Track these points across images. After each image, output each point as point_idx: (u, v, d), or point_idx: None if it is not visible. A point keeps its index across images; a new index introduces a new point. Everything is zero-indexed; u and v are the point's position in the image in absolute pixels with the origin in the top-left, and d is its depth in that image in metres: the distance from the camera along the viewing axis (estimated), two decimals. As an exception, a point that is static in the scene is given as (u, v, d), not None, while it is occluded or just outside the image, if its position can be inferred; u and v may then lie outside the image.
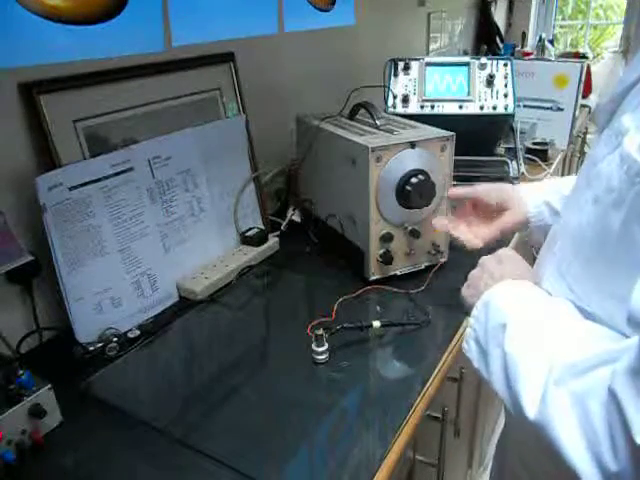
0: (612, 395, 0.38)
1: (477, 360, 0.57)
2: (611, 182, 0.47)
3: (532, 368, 0.47)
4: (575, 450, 0.40)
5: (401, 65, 1.45)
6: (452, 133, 1.04)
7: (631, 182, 0.44)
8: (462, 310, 0.95)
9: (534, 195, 0.89)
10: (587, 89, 2.42)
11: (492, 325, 0.55)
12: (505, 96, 1.41)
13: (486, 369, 0.54)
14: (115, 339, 0.90)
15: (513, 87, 1.41)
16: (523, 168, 1.56)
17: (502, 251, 0.72)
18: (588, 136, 2.44)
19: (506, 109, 1.40)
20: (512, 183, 1.35)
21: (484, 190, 0.93)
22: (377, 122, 1.11)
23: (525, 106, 1.92)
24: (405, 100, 1.43)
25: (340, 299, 0.98)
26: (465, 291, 0.70)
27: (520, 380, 0.47)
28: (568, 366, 0.44)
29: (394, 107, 1.43)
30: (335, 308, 0.96)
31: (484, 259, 0.72)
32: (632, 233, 0.42)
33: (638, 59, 0.51)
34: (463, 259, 1.14)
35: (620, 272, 0.44)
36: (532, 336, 0.50)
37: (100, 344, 0.89)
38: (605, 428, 0.38)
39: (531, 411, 0.45)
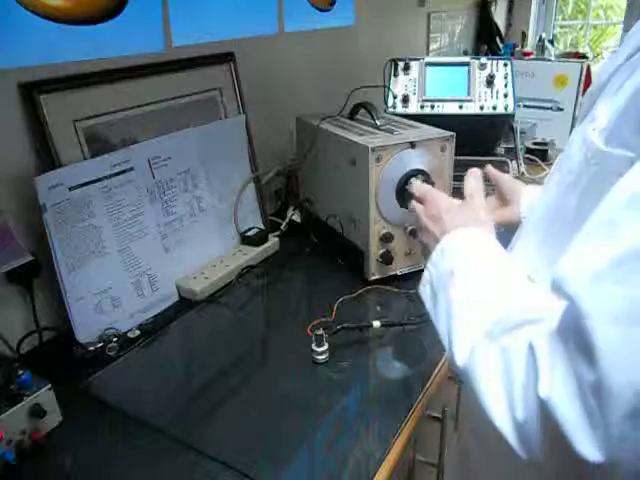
0: (531, 351, 0.40)
1: (429, 303, 0.59)
2: (572, 165, 0.50)
3: (467, 319, 0.50)
4: (493, 397, 0.42)
5: (401, 65, 1.45)
6: (452, 133, 1.04)
7: (587, 163, 0.47)
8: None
9: (531, 196, 0.89)
10: (587, 89, 2.42)
11: (442, 271, 0.57)
12: (505, 96, 1.41)
13: (434, 313, 0.57)
14: (115, 339, 0.90)
15: (513, 87, 1.41)
16: (523, 168, 1.56)
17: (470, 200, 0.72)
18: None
19: (506, 109, 1.40)
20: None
21: (506, 178, 0.90)
22: (377, 122, 1.11)
23: (525, 106, 1.92)
24: (405, 100, 1.43)
25: (340, 299, 0.98)
26: (426, 222, 0.69)
27: (455, 328, 0.50)
28: (498, 321, 0.46)
29: (394, 107, 1.43)
30: (335, 308, 0.95)
31: (445, 198, 0.71)
32: (585, 212, 0.43)
33: (619, 52, 0.52)
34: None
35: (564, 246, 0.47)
36: (473, 287, 0.53)
37: (100, 344, 0.89)
38: (521, 380, 0.40)
39: (460, 360, 0.47)
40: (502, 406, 0.41)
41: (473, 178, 0.73)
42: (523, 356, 0.41)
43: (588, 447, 0.35)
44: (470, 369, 0.46)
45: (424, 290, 0.61)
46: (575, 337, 0.37)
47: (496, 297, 0.50)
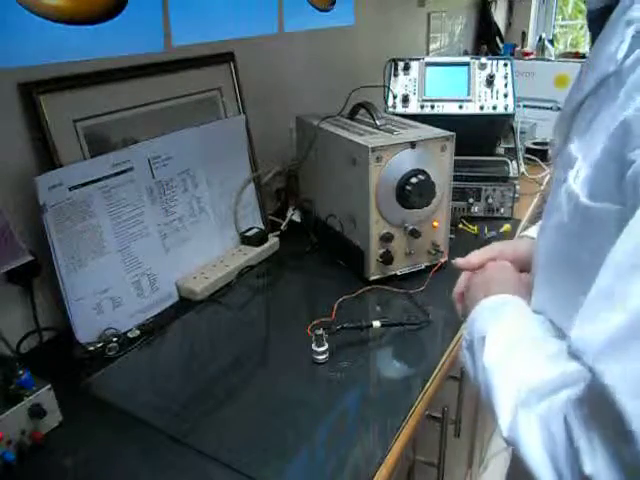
0: (566, 426, 0.40)
1: (471, 369, 0.58)
2: (563, 215, 0.49)
3: (503, 388, 0.49)
4: (542, 468, 0.42)
5: (401, 65, 1.45)
6: (452, 133, 1.04)
7: (576, 216, 0.47)
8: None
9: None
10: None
11: (477, 337, 0.57)
12: (505, 96, 1.40)
13: (475, 379, 0.56)
14: (115, 339, 0.90)
15: (513, 87, 1.41)
16: (523, 168, 1.56)
17: (503, 263, 0.69)
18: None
19: (506, 109, 1.40)
20: (513, 183, 1.36)
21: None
22: (377, 122, 1.11)
23: (525, 106, 1.92)
24: (405, 100, 1.43)
25: (340, 299, 0.98)
26: (473, 292, 0.66)
27: (495, 399, 0.50)
28: (533, 389, 0.46)
29: (394, 107, 1.43)
30: (335, 308, 0.96)
31: (489, 265, 0.68)
32: (586, 262, 0.43)
33: (584, 76, 0.50)
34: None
35: (576, 295, 0.45)
36: (504, 353, 0.52)
37: (100, 344, 0.89)
38: (563, 452, 0.40)
39: (505, 431, 0.47)
40: (551, 477, 0.41)
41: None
42: (561, 426, 0.41)
43: None
44: (515, 440, 0.46)
45: (464, 357, 0.60)
46: (604, 409, 0.36)
47: (528, 363, 0.49)
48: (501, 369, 0.51)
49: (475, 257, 0.69)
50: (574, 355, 0.40)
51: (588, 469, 0.37)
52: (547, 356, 0.48)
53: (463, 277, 0.71)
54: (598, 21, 0.51)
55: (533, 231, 0.74)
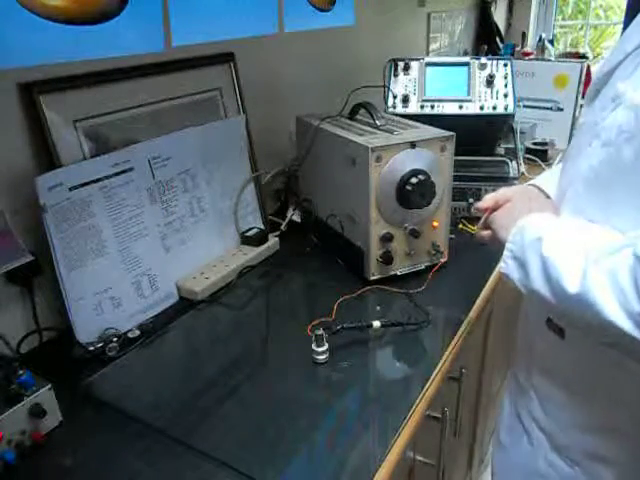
0: (636, 258, 0.51)
1: (516, 272, 0.66)
2: (621, 127, 0.58)
3: (571, 258, 0.58)
4: (610, 306, 0.52)
5: (401, 65, 1.45)
6: (452, 133, 1.03)
7: (637, 120, 0.56)
8: (463, 306, 0.96)
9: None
10: (587, 89, 2.42)
11: (529, 240, 0.65)
12: (505, 96, 1.40)
13: (525, 276, 0.64)
14: (115, 339, 0.90)
15: (513, 87, 1.41)
16: (523, 168, 1.56)
17: (527, 189, 0.80)
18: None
19: (506, 109, 1.40)
20: (513, 183, 1.36)
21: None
22: (377, 122, 1.11)
23: (525, 106, 1.92)
24: (405, 100, 1.43)
25: (340, 299, 0.98)
26: (498, 221, 0.75)
27: (560, 269, 0.58)
28: (601, 249, 0.56)
29: (394, 107, 1.43)
30: (335, 308, 0.96)
31: (514, 196, 0.78)
32: None
33: (632, 32, 0.61)
34: (463, 259, 1.14)
35: (636, 195, 0.57)
36: (566, 240, 0.61)
37: (100, 344, 0.89)
38: (632, 286, 0.51)
39: (573, 287, 0.56)
40: (618, 307, 0.52)
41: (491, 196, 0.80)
42: (629, 268, 0.51)
43: None
44: (584, 291, 0.55)
45: (507, 265, 0.68)
46: None
47: (590, 237, 0.59)
48: (565, 249, 0.60)
49: (490, 197, 0.79)
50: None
51: None
52: (606, 232, 0.59)
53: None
54: None
55: (537, 180, 0.83)
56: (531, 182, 0.84)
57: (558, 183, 0.75)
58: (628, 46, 0.60)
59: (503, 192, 0.80)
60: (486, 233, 0.79)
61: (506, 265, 0.68)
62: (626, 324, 0.51)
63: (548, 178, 0.83)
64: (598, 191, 0.62)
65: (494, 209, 0.77)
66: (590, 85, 0.70)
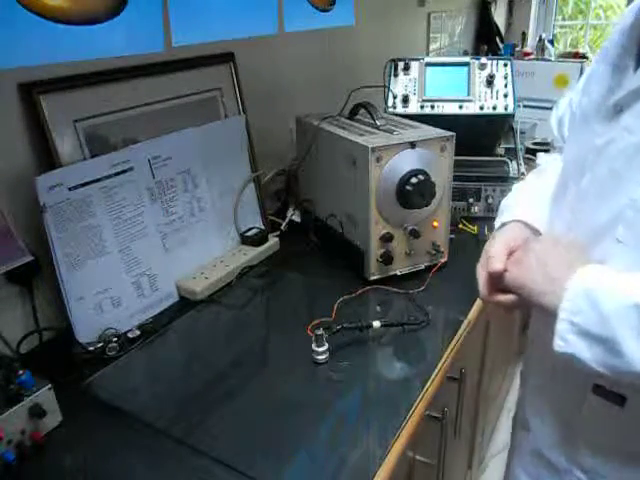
0: None
1: (590, 352, 0.52)
2: None
3: None
4: None
5: (401, 65, 1.45)
6: (452, 133, 1.03)
7: None
8: (463, 306, 0.96)
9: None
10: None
11: (613, 309, 0.51)
12: (505, 96, 1.40)
13: (614, 356, 0.50)
14: (115, 339, 0.90)
15: (513, 87, 1.41)
16: (523, 168, 1.56)
17: (520, 229, 0.67)
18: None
19: (506, 109, 1.40)
20: (513, 183, 1.35)
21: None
22: (377, 122, 1.11)
23: (525, 106, 1.92)
24: (405, 100, 1.43)
25: (340, 299, 0.98)
26: (525, 282, 0.60)
27: None
28: None
29: (394, 107, 1.43)
30: (335, 308, 0.95)
31: (523, 242, 0.65)
32: None
33: None
34: (463, 259, 1.14)
35: None
36: None
37: (100, 344, 0.89)
38: None
39: None
40: None
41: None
42: None
43: None
44: None
45: (569, 344, 0.54)
46: None
47: None
48: None
49: (500, 254, 0.64)
50: None
51: None
52: None
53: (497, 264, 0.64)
54: None
55: (519, 213, 0.70)
56: (513, 216, 0.70)
57: (563, 220, 0.62)
58: None
59: (503, 243, 0.65)
60: (506, 299, 0.63)
61: (566, 344, 0.53)
62: None
63: (532, 208, 0.70)
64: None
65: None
66: (597, 95, 0.58)
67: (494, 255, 0.64)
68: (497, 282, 0.63)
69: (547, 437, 0.70)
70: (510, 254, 0.63)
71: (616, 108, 0.56)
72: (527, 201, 0.73)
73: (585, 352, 0.52)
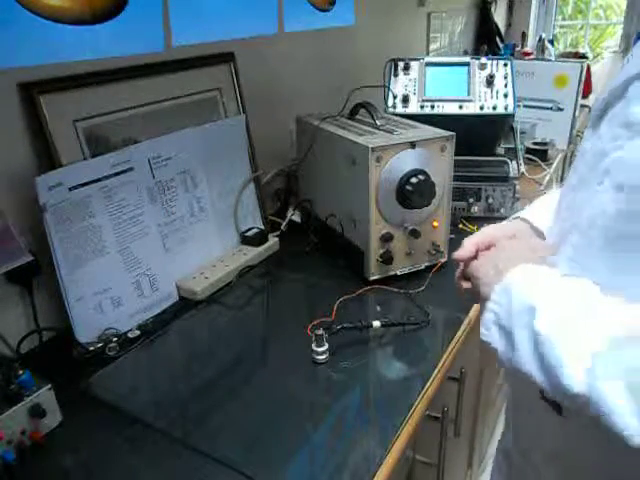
0: None
1: (501, 344, 0.55)
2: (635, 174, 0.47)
3: (572, 345, 0.47)
4: (624, 411, 0.41)
5: (401, 65, 1.45)
6: (452, 133, 1.03)
7: None
8: (463, 306, 0.96)
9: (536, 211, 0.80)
10: (587, 89, 2.42)
11: (518, 308, 0.53)
12: (505, 96, 1.40)
13: (511, 350, 0.53)
14: (115, 339, 0.90)
15: (513, 87, 1.41)
16: (523, 168, 1.56)
17: (516, 228, 0.69)
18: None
19: (506, 109, 1.40)
20: (513, 183, 1.36)
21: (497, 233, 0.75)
22: (377, 122, 1.11)
23: (525, 106, 1.92)
24: (405, 100, 1.43)
25: (340, 299, 0.98)
26: (478, 272, 0.63)
27: (560, 357, 0.47)
28: (610, 340, 0.44)
29: (394, 107, 1.43)
30: (335, 308, 0.96)
31: (498, 239, 0.66)
32: None
33: (632, 61, 0.51)
34: (463, 259, 1.14)
35: None
36: (564, 315, 0.49)
37: (100, 344, 0.89)
38: None
39: (578, 384, 0.45)
40: (636, 419, 0.41)
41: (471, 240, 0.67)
42: None
43: None
44: (593, 390, 0.43)
45: (489, 333, 0.57)
46: None
47: (596, 317, 0.47)
48: (564, 331, 0.48)
49: (469, 244, 0.66)
50: None
51: None
52: (613, 310, 0.47)
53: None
54: None
55: (527, 213, 0.72)
56: (520, 214, 0.72)
57: (555, 219, 0.64)
58: (637, 62, 0.49)
59: (485, 233, 0.67)
60: (466, 285, 0.66)
61: (488, 332, 0.57)
62: None
63: (540, 210, 0.70)
64: (609, 247, 0.50)
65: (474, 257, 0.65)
66: (593, 105, 0.58)
67: (464, 244, 0.66)
68: (465, 269, 0.67)
69: (508, 437, 0.72)
70: (489, 246, 0.65)
71: (599, 114, 0.57)
72: (538, 204, 0.75)
73: (498, 343, 0.55)
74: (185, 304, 1.04)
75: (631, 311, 0.45)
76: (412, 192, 0.98)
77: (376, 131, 1.08)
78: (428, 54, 2.41)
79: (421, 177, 0.99)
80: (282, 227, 1.29)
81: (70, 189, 0.87)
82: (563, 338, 0.47)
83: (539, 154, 1.78)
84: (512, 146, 1.54)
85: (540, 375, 0.49)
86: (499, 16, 3.27)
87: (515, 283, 0.56)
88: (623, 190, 0.48)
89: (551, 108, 1.93)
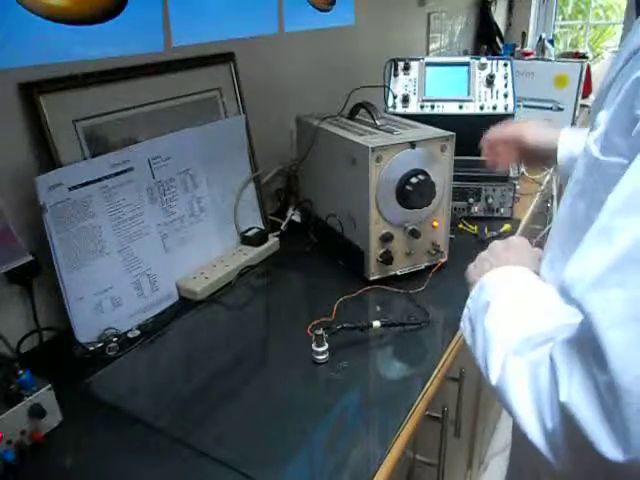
0: (551, 361, 0.42)
1: (468, 337, 0.59)
2: (578, 174, 0.52)
3: (497, 340, 0.51)
4: (524, 410, 0.44)
5: (401, 65, 1.45)
6: (452, 133, 1.04)
7: (589, 172, 0.50)
8: (463, 306, 0.96)
9: (568, 143, 0.90)
10: (587, 89, 2.42)
11: (481, 303, 0.59)
12: (505, 96, 1.41)
13: (473, 344, 0.57)
14: (115, 339, 0.90)
15: (513, 87, 1.41)
16: (523, 168, 1.56)
17: (512, 238, 0.73)
18: (588, 136, 2.44)
19: (506, 109, 1.40)
20: (513, 183, 1.36)
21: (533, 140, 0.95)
22: (377, 122, 1.11)
23: (525, 106, 1.92)
24: (405, 100, 1.43)
25: (340, 299, 0.98)
26: (471, 270, 0.70)
27: (489, 351, 0.51)
28: (526, 339, 0.48)
29: (394, 107, 1.43)
30: (335, 308, 0.96)
31: (495, 243, 0.72)
32: (592, 220, 0.43)
33: (618, 57, 0.53)
34: (463, 259, 1.14)
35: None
36: (505, 313, 0.54)
37: (100, 344, 0.89)
38: (546, 390, 0.42)
39: (494, 378, 0.49)
40: (533, 418, 0.42)
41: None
42: (547, 365, 0.42)
43: (608, 446, 0.35)
44: (501, 385, 0.47)
45: (463, 326, 0.62)
46: (588, 342, 0.38)
47: (525, 319, 0.51)
48: (498, 327, 0.53)
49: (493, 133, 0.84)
50: (565, 293, 0.41)
51: (563, 396, 0.39)
52: (545, 310, 0.50)
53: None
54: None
55: (567, 136, 0.81)
56: (563, 129, 0.84)
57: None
58: (622, 57, 0.51)
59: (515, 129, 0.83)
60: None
61: (463, 326, 0.62)
62: (538, 440, 0.42)
63: (575, 138, 0.79)
64: (560, 245, 0.56)
65: None
66: (592, 103, 0.63)
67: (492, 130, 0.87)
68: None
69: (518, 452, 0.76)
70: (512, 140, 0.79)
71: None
72: (580, 131, 0.85)
73: (467, 336, 0.60)
74: (185, 304, 1.04)
75: (551, 319, 0.48)
76: (412, 192, 0.98)
77: (376, 131, 1.08)
78: (428, 54, 2.41)
79: (421, 177, 0.99)
80: (282, 227, 1.29)
81: (70, 189, 0.87)
82: (493, 337, 0.52)
83: (539, 154, 1.78)
84: (512, 146, 1.54)
85: (482, 364, 0.53)
86: (499, 16, 3.27)
87: (488, 282, 0.61)
88: (570, 194, 0.53)
89: (551, 108, 1.93)
